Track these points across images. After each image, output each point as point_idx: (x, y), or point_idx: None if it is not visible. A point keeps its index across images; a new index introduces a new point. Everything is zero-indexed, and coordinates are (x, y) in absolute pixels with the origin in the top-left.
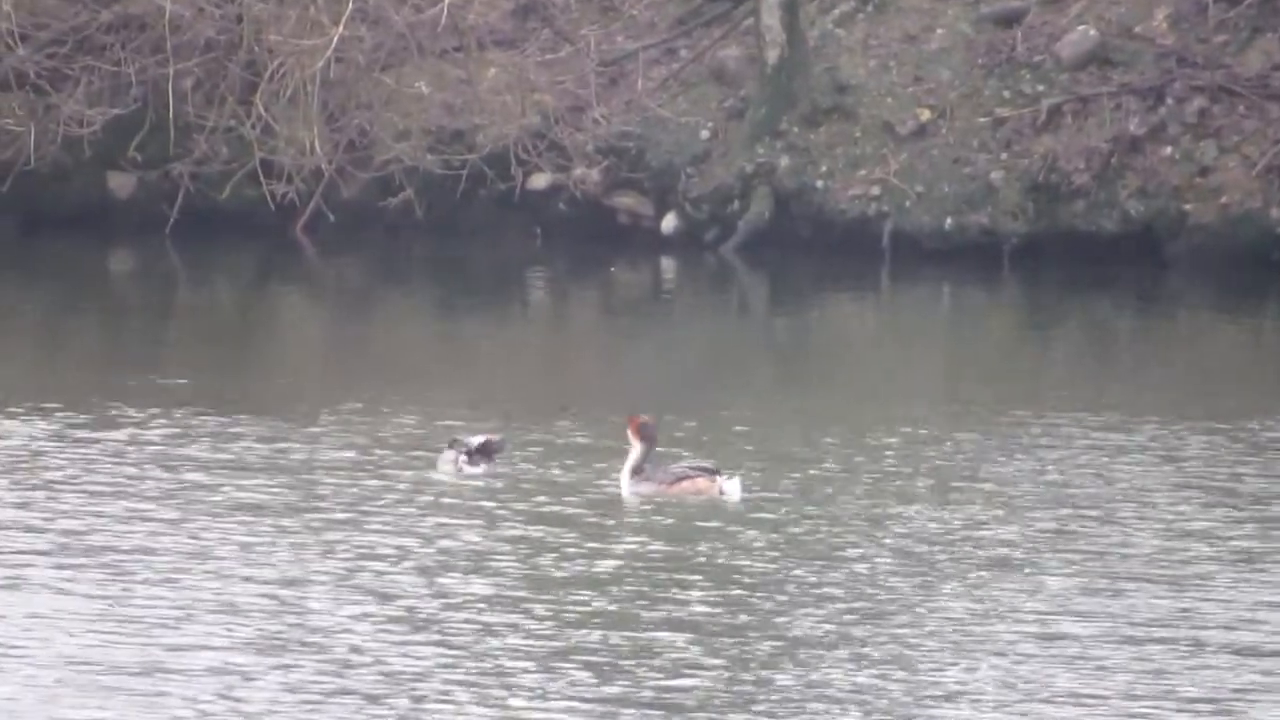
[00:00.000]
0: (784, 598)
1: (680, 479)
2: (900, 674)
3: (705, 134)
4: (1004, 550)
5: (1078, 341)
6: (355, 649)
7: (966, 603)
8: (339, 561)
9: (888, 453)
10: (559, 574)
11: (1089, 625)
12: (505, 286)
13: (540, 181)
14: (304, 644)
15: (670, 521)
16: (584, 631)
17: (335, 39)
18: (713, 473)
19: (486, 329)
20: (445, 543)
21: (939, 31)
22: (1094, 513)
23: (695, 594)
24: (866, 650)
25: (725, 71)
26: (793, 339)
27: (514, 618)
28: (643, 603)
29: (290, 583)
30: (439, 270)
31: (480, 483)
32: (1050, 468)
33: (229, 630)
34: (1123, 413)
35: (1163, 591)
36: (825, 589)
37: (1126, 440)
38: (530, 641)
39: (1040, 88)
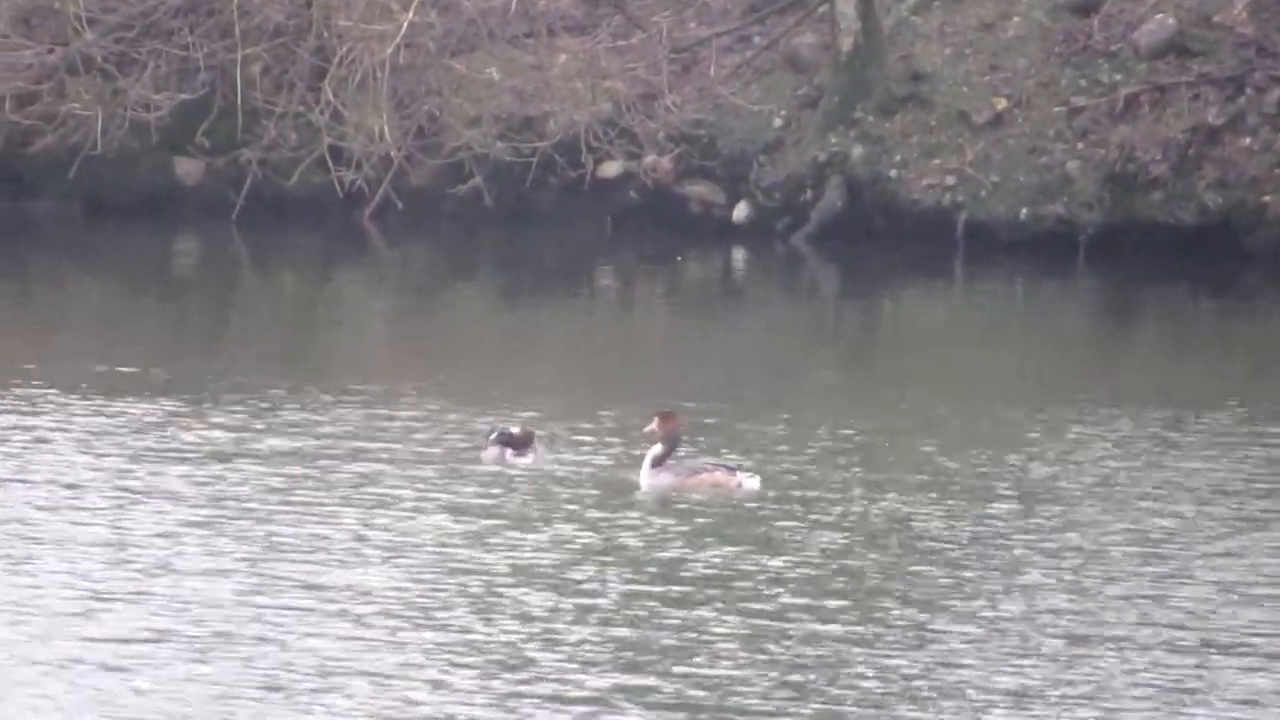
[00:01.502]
0: (856, 592)
1: (698, 472)
2: (964, 673)
3: (778, 122)
4: (1075, 545)
5: (1154, 335)
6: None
7: (1037, 600)
8: (378, 549)
9: (960, 447)
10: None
11: (1156, 629)
12: (573, 275)
13: (611, 169)
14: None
15: (701, 521)
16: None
17: (405, 25)
18: (732, 468)
19: (553, 318)
20: (467, 528)
21: (1015, 20)
22: (1161, 508)
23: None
24: (933, 648)
25: (799, 59)
26: (863, 330)
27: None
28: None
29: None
30: (507, 259)
31: (521, 472)
32: (1123, 462)
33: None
34: (1198, 407)
35: (1212, 593)
36: (889, 584)
37: (1204, 435)
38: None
39: (1117, 77)
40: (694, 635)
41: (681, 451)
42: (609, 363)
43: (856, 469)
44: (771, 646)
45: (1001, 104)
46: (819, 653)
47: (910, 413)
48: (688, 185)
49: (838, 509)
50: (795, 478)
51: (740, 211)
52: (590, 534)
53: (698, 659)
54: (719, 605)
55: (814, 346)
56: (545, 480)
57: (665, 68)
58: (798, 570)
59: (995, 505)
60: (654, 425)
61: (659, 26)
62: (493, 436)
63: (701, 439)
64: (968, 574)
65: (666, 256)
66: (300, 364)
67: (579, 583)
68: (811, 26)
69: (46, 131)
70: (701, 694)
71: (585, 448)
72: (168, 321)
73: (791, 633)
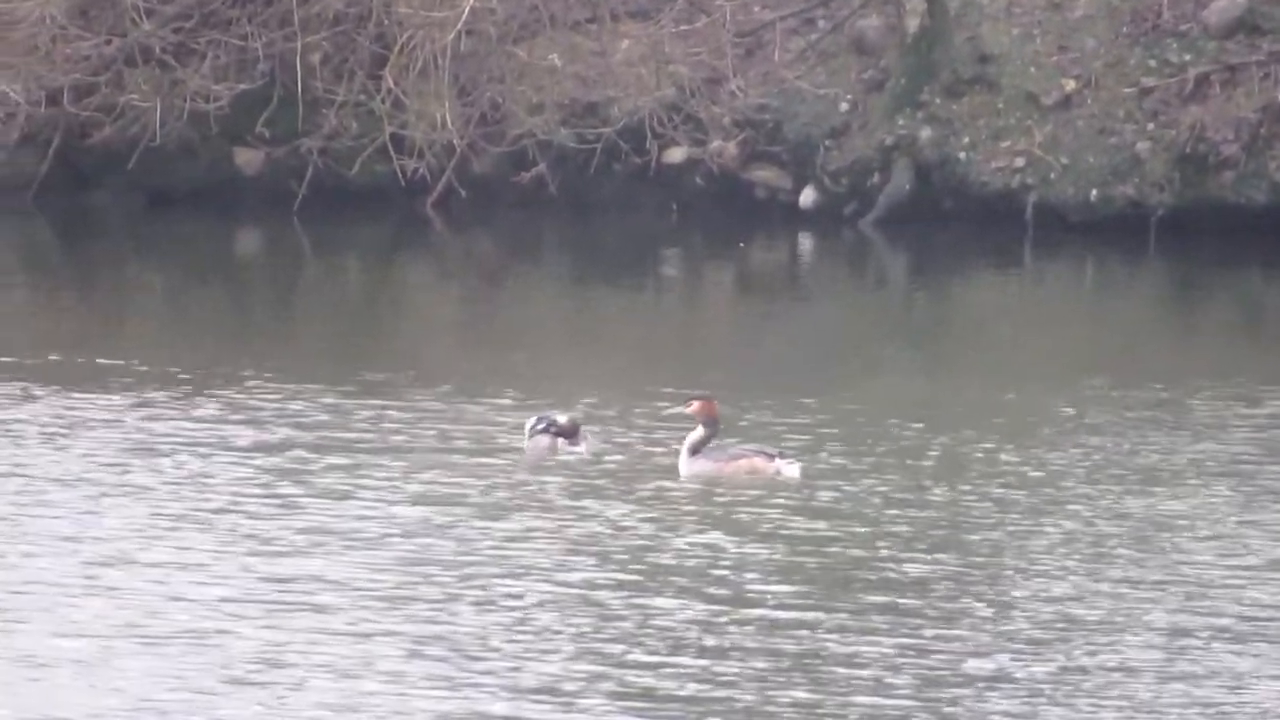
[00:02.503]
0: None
1: (736, 459)
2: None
3: (844, 105)
4: (1146, 531)
5: (1226, 317)
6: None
7: (1108, 584)
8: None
9: (1025, 433)
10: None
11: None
12: (638, 262)
13: (676, 155)
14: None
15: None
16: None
17: (466, 11)
18: (771, 454)
19: (617, 306)
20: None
21: None
22: (1237, 495)
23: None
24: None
25: (865, 41)
26: (931, 315)
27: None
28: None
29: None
30: (571, 247)
31: (573, 458)
32: (1193, 447)
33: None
34: (1271, 388)
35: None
36: (928, 576)
37: (1278, 417)
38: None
39: (1187, 57)
40: (712, 628)
41: (731, 440)
42: (672, 350)
43: (914, 458)
44: (787, 645)
45: (1070, 85)
46: (846, 650)
47: (976, 398)
48: (753, 170)
49: (886, 497)
50: (846, 464)
51: (806, 196)
52: (616, 521)
53: (727, 650)
54: (740, 596)
55: (881, 332)
56: (593, 469)
57: (730, 52)
58: (833, 561)
59: (1058, 491)
60: (693, 408)
61: (723, 10)
62: (539, 427)
63: (759, 424)
64: (1023, 564)
65: (733, 243)
66: (362, 353)
67: (585, 573)
68: (877, 8)
69: (105, 123)
70: (724, 692)
71: (640, 435)
72: (230, 313)
73: (818, 624)
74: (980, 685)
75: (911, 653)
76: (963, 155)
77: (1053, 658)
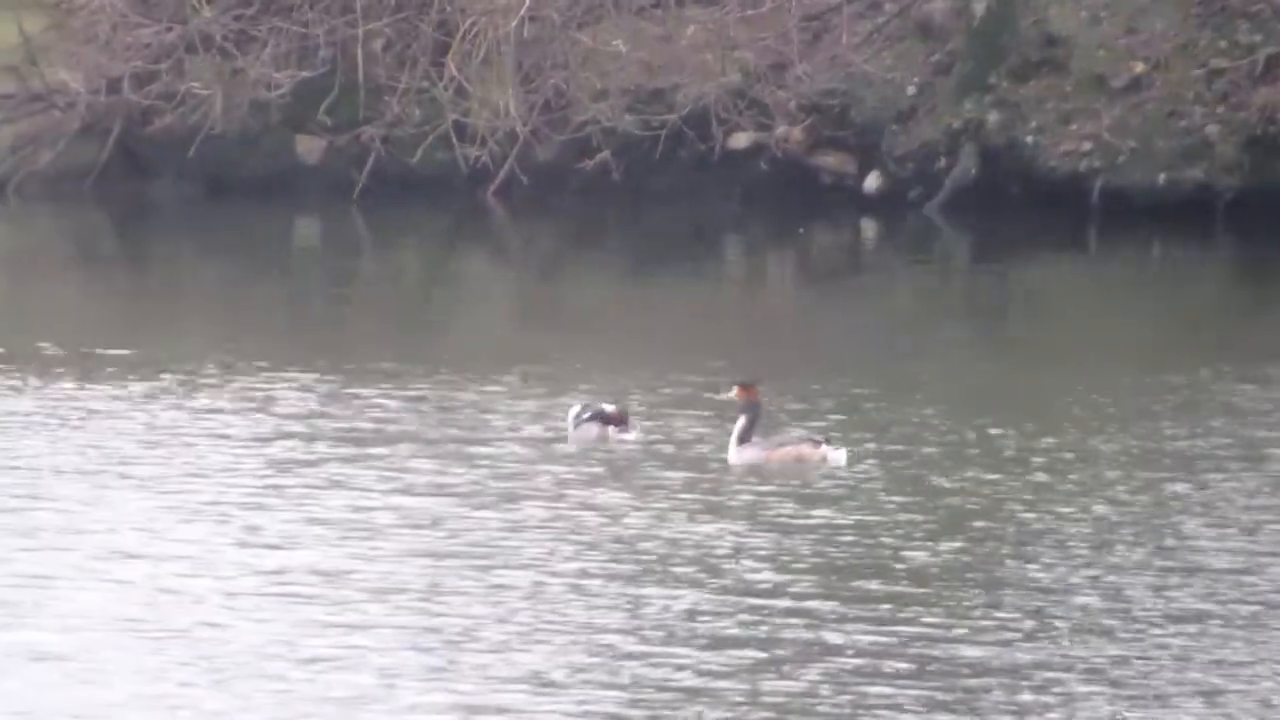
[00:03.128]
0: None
1: (782, 446)
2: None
3: (911, 89)
4: (1198, 519)
5: None
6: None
7: (1168, 576)
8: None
9: (1089, 418)
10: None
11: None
12: (702, 249)
13: (741, 141)
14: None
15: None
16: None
17: None
18: (817, 441)
19: (681, 293)
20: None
21: None
22: None
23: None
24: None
25: (931, 25)
26: (996, 299)
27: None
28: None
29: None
30: (635, 234)
31: (626, 448)
32: (1258, 433)
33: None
34: None
35: None
36: (968, 567)
37: None
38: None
39: (1257, 38)
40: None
41: (780, 427)
42: (734, 337)
43: (965, 444)
44: (827, 634)
45: (1139, 67)
46: (885, 641)
47: (1037, 384)
48: (819, 156)
49: (926, 484)
50: (898, 450)
51: (872, 182)
52: (656, 510)
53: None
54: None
55: (944, 317)
56: (641, 457)
57: (795, 36)
58: (874, 551)
59: (1110, 476)
60: (734, 394)
61: None
62: (584, 415)
63: (817, 409)
64: (1055, 551)
65: (798, 229)
66: (423, 342)
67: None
68: None
69: (166, 111)
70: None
71: (694, 422)
72: (289, 303)
73: (853, 617)
74: (995, 673)
75: (921, 642)
76: (1030, 139)
77: (1093, 647)
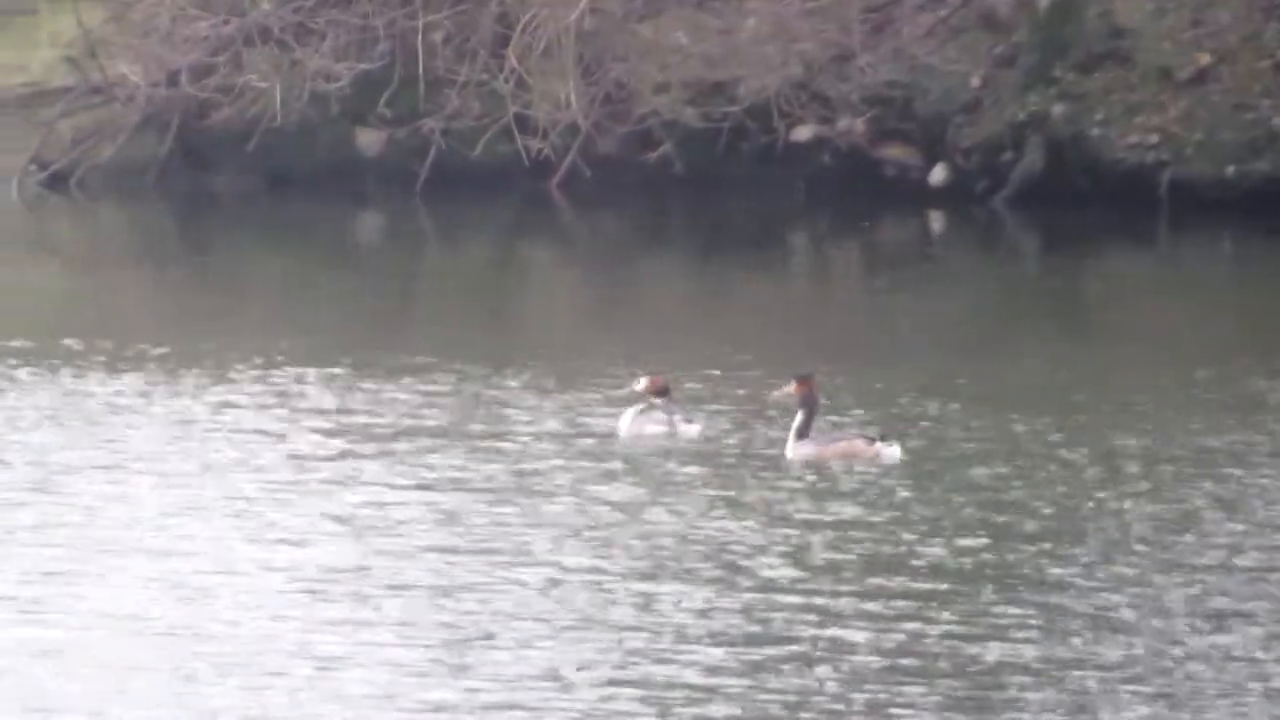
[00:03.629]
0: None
1: (836, 442)
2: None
3: (975, 82)
4: (1247, 518)
5: None
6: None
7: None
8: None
9: (1158, 414)
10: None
11: None
12: (765, 243)
13: (803, 133)
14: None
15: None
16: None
17: None
18: (871, 438)
19: (743, 286)
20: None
21: None
22: None
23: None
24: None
25: (995, 17)
26: (1063, 294)
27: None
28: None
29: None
30: (697, 227)
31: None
32: None
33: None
34: None
35: None
36: (1014, 566)
37: None
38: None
39: None
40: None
41: (834, 423)
42: (800, 330)
43: (1020, 440)
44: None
45: (1205, 59)
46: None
47: (1102, 380)
48: (883, 148)
49: (987, 481)
50: (953, 446)
51: (937, 174)
52: (711, 506)
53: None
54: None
55: (1011, 312)
56: (697, 450)
57: (857, 28)
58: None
59: (1170, 473)
60: (790, 388)
61: None
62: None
63: (878, 402)
64: (1087, 552)
65: (861, 222)
66: (488, 335)
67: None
68: None
69: (224, 105)
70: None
71: (753, 415)
72: (353, 295)
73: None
74: (1018, 673)
75: (947, 640)
76: (1095, 132)
77: (1107, 647)
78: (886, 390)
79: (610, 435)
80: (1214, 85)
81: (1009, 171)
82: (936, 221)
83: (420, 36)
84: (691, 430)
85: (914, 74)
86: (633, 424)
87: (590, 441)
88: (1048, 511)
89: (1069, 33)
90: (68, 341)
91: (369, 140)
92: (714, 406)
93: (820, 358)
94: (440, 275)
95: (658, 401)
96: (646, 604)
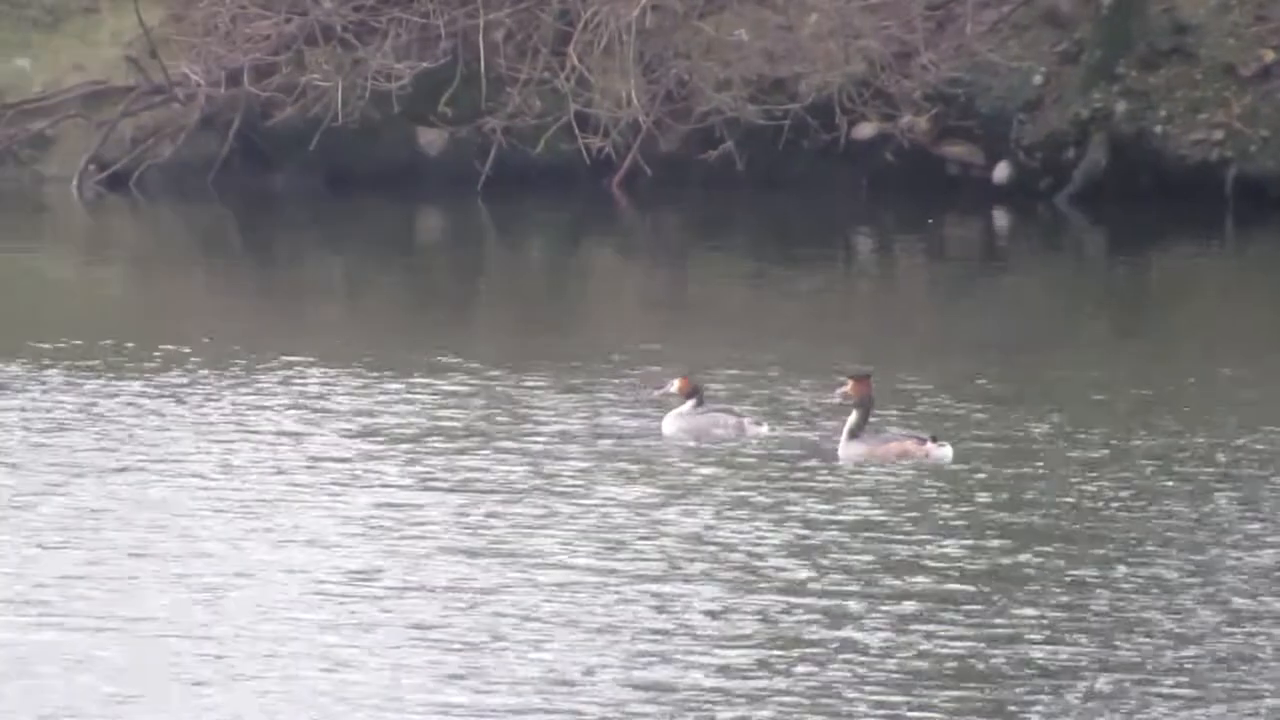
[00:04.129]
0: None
1: (888, 442)
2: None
3: (1038, 79)
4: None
5: None
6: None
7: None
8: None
9: (1207, 417)
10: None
11: None
12: (828, 241)
13: (866, 131)
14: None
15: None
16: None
17: None
18: (922, 438)
19: (806, 285)
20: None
21: None
22: None
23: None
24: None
25: (1058, 13)
26: (1128, 293)
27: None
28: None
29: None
30: (760, 225)
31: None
32: None
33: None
34: None
35: None
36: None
37: None
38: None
39: None
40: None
41: (885, 424)
42: (864, 329)
43: (1075, 443)
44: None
45: (1269, 55)
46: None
47: (1164, 381)
48: (945, 146)
49: (1032, 483)
50: (1008, 448)
51: (1000, 172)
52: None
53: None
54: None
55: (1075, 312)
56: (746, 450)
57: (920, 25)
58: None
59: (1213, 474)
60: (847, 388)
61: None
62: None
63: (939, 402)
64: (1129, 560)
65: (924, 220)
66: (548, 335)
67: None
68: None
69: (286, 104)
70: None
71: (809, 415)
72: (413, 296)
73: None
74: (1052, 675)
75: (974, 643)
76: (1159, 129)
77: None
78: (941, 390)
79: (665, 437)
80: (1278, 82)
81: (1072, 169)
82: (1000, 219)
83: (482, 35)
84: (760, 430)
85: (976, 71)
86: (691, 425)
87: (653, 443)
88: (1081, 511)
89: (1132, 29)
90: (127, 342)
91: (430, 139)
92: (770, 406)
93: (878, 357)
94: (501, 274)
95: (689, 403)
96: (661, 604)
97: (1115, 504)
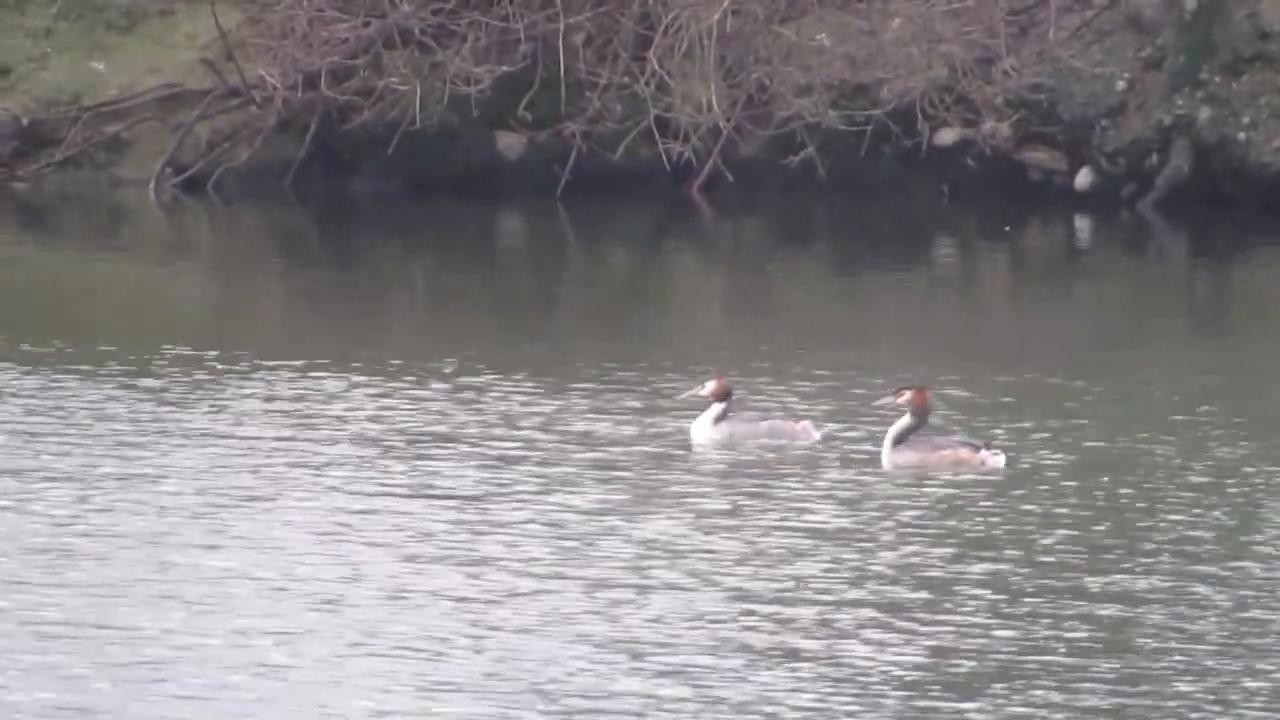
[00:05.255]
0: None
1: (941, 449)
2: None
3: (1121, 85)
4: None
5: None
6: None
7: None
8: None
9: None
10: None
11: None
12: (911, 247)
13: (948, 137)
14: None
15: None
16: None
17: None
18: (976, 446)
19: (888, 292)
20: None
21: None
22: None
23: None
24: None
25: (1141, 19)
26: (1214, 300)
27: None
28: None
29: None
30: (841, 231)
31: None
32: None
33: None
34: None
35: None
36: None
37: None
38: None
39: None
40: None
41: (938, 430)
42: (946, 336)
43: (1135, 455)
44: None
45: None
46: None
47: (1241, 394)
48: (1027, 152)
49: (1082, 493)
50: (1066, 458)
51: (1083, 178)
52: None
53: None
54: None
55: (1155, 317)
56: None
57: (1003, 30)
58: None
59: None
60: (905, 398)
61: None
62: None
63: (1008, 410)
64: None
65: (1005, 226)
66: (629, 340)
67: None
68: None
69: (363, 107)
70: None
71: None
72: (494, 301)
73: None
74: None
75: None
76: (1242, 136)
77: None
78: (1014, 397)
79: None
80: None
81: (1155, 175)
82: (1082, 226)
83: (562, 38)
84: (815, 435)
85: (1059, 77)
86: (738, 430)
87: (727, 454)
88: (1122, 522)
89: (1215, 35)
90: (206, 345)
91: (509, 143)
92: (843, 409)
93: (956, 364)
94: (581, 279)
95: (719, 406)
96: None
97: (1169, 513)
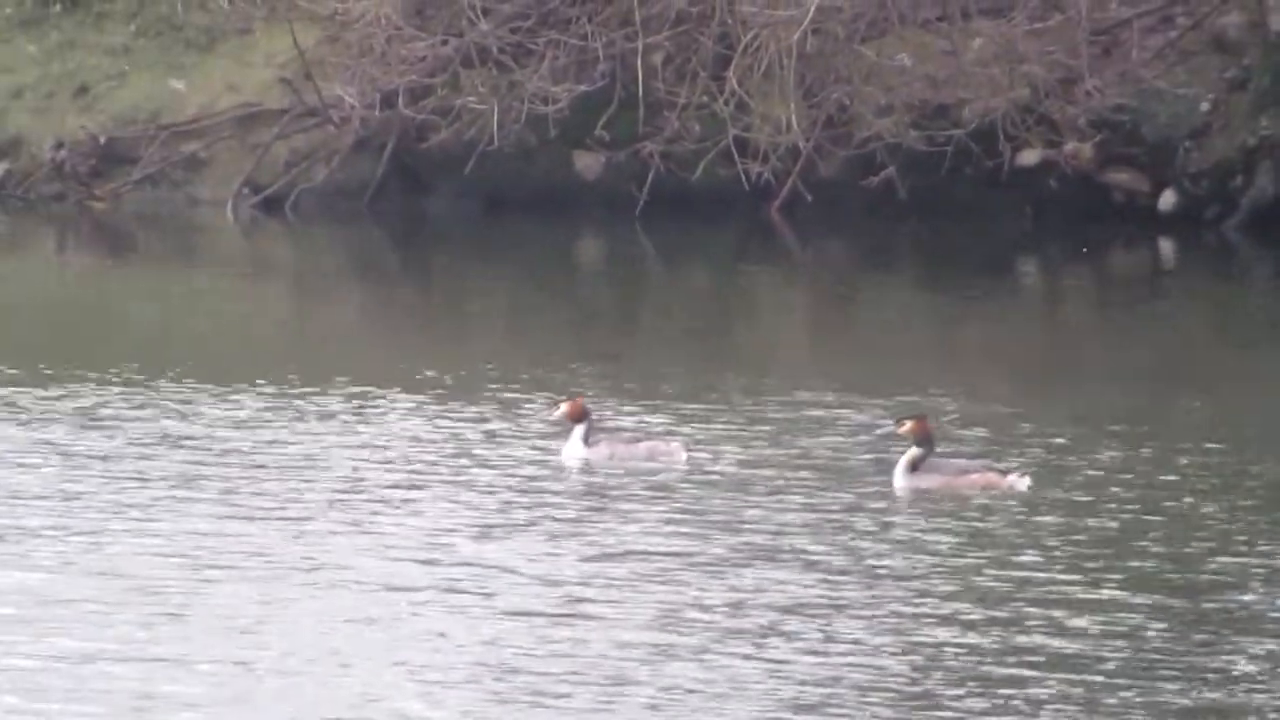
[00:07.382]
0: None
1: (967, 473)
2: None
3: (1205, 106)
4: None
5: None
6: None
7: None
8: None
9: None
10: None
11: None
12: (993, 269)
13: (1029, 158)
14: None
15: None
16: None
17: (812, 9)
18: (1002, 470)
19: (973, 313)
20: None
21: None
22: None
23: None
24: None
25: (1226, 39)
26: None
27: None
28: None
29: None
30: (923, 252)
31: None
32: None
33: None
34: None
35: None
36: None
37: None
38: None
39: None
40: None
41: (952, 453)
42: (1029, 359)
43: (1176, 476)
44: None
45: None
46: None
47: None
48: (1110, 173)
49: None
50: (1090, 478)
51: (1167, 200)
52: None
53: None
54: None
55: (1248, 341)
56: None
57: (1085, 50)
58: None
59: None
60: (906, 428)
61: (1078, 7)
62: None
63: (1073, 433)
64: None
65: (1090, 247)
66: (707, 363)
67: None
68: (1239, 5)
69: (441, 126)
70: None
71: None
72: (575, 322)
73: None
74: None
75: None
76: None
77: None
78: (1059, 420)
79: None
80: None
81: (1239, 197)
82: (1165, 248)
83: (640, 58)
84: (683, 455)
85: (1142, 97)
86: (618, 451)
87: (820, 473)
88: (1123, 548)
89: None
90: (291, 371)
91: (587, 163)
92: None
93: (1037, 389)
94: (660, 300)
95: (580, 428)
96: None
97: (1181, 543)
